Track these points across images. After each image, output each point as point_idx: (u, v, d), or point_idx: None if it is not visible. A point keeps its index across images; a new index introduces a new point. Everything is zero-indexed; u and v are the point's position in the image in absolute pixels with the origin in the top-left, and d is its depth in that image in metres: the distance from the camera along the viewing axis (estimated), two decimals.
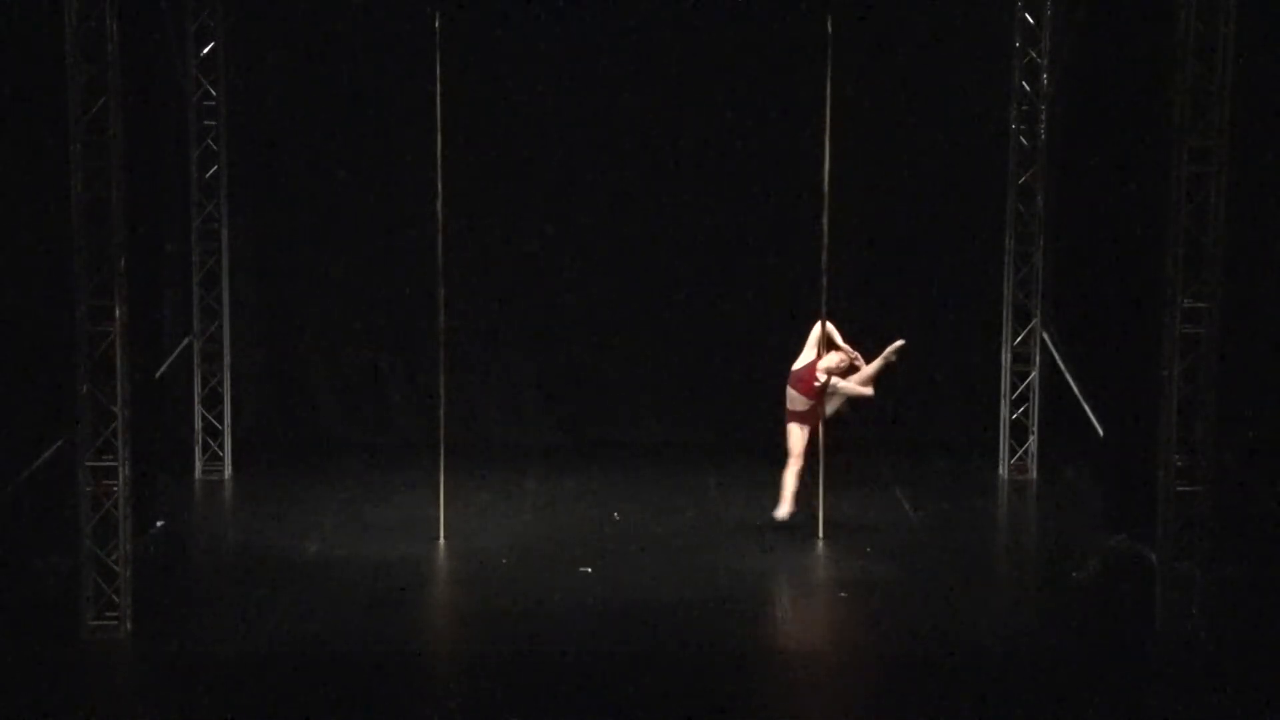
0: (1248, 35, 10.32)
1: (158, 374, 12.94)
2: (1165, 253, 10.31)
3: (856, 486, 13.66)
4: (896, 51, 14.76)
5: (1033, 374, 14.24)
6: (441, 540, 12.28)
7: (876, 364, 12.34)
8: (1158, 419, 10.44)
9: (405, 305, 14.90)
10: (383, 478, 14.10)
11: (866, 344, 12.60)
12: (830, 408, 12.37)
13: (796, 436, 12.40)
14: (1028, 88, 13.94)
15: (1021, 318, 14.24)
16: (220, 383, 14.18)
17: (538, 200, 14.97)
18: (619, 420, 15.38)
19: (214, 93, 13.81)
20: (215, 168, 13.93)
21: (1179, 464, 10.28)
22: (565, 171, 14.93)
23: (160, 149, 12.99)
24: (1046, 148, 14.00)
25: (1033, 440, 14.28)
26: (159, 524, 12.41)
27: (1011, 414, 14.31)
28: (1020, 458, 14.32)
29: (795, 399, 12.35)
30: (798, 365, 12.37)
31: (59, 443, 11.09)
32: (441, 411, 12.39)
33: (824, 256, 12.27)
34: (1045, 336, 14.17)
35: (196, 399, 14.13)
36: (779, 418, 12.54)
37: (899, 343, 12.28)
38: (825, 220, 12.25)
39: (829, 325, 12.27)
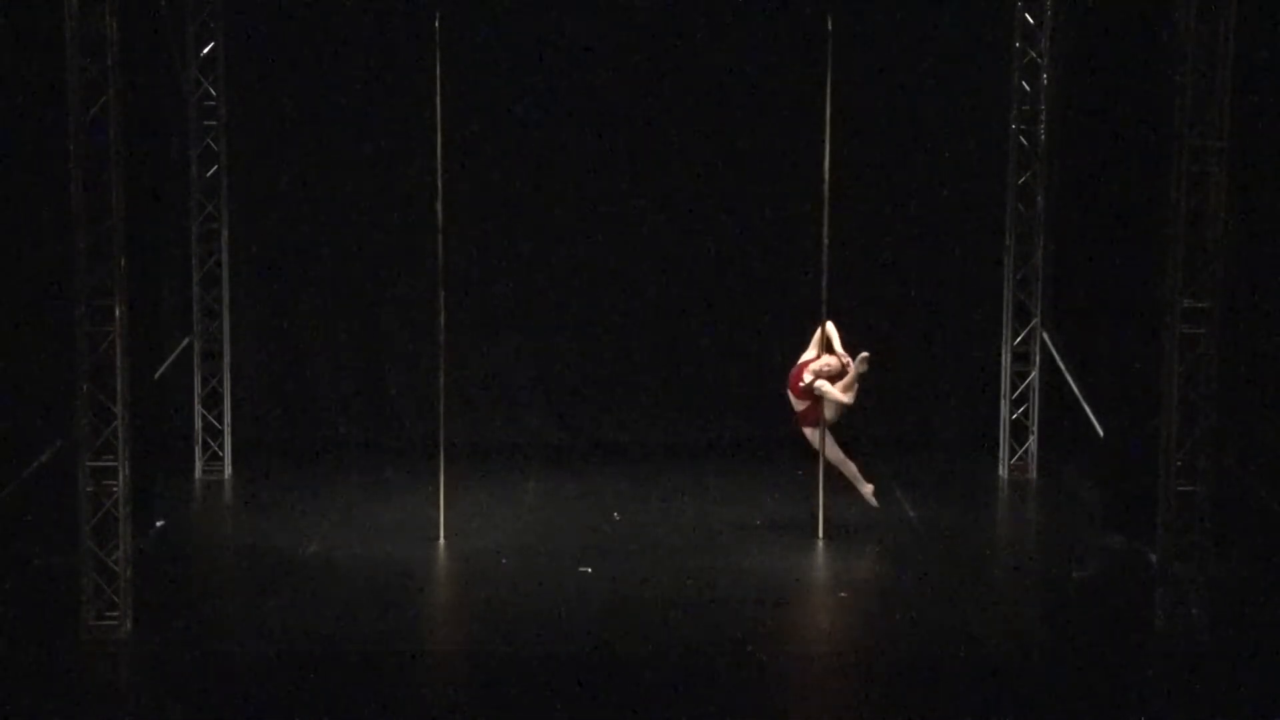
0: (1248, 35, 10.32)
1: (158, 374, 12.94)
2: (1165, 253, 10.31)
3: (856, 486, 13.65)
4: (896, 51, 14.76)
5: (1033, 374, 14.24)
6: (441, 540, 12.28)
7: (849, 376, 12.24)
8: (1158, 419, 10.44)
9: (405, 305, 14.90)
10: (383, 478, 14.10)
11: (866, 344, 12.58)
12: (829, 413, 12.33)
13: (811, 439, 12.34)
14: (1028, 88, 13.94)
15: (1021, 318, 14.24)
16: (220, 383, 14.19)
17: (537, 200, 14.97)
18: (619, 420, 15.38)
19: (214, 93, 13.81)
20: (215, 168, 13.93)
21: (1179, 464, 10.27)
22: (565, 171, 14.94)
23: (160, 149, 12.99)
24: (1046, 148, 14.00)
25: (1033, 440, 14.28)
26: (159, 524, 12.42)
27: (1011, 414, 14.32)
28: (1020, 458, 14.32)
29: (792, 400, 12.33)
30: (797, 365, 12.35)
31: (59, 443, 11.09)
32: (441, 411, 12.39)
33: (824, 256, 12.28)
34: (1045, 336, 14.17)
35: (196, 399, 14.13)
36: (779, 418, 12.52)
37: (863, 355, 12.18)
38: (825, 220, 12.25)
39: (830, 327, 12.22)
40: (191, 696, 9.52)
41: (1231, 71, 10.04)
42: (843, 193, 12.59)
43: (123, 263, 10.01)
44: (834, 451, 12.40)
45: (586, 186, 14.97)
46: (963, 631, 10.55)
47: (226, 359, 14.20)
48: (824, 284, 12.28)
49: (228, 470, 14.23)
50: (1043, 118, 13.96)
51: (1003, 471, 14.37)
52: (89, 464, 10.14)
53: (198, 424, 14.15)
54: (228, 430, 14.23)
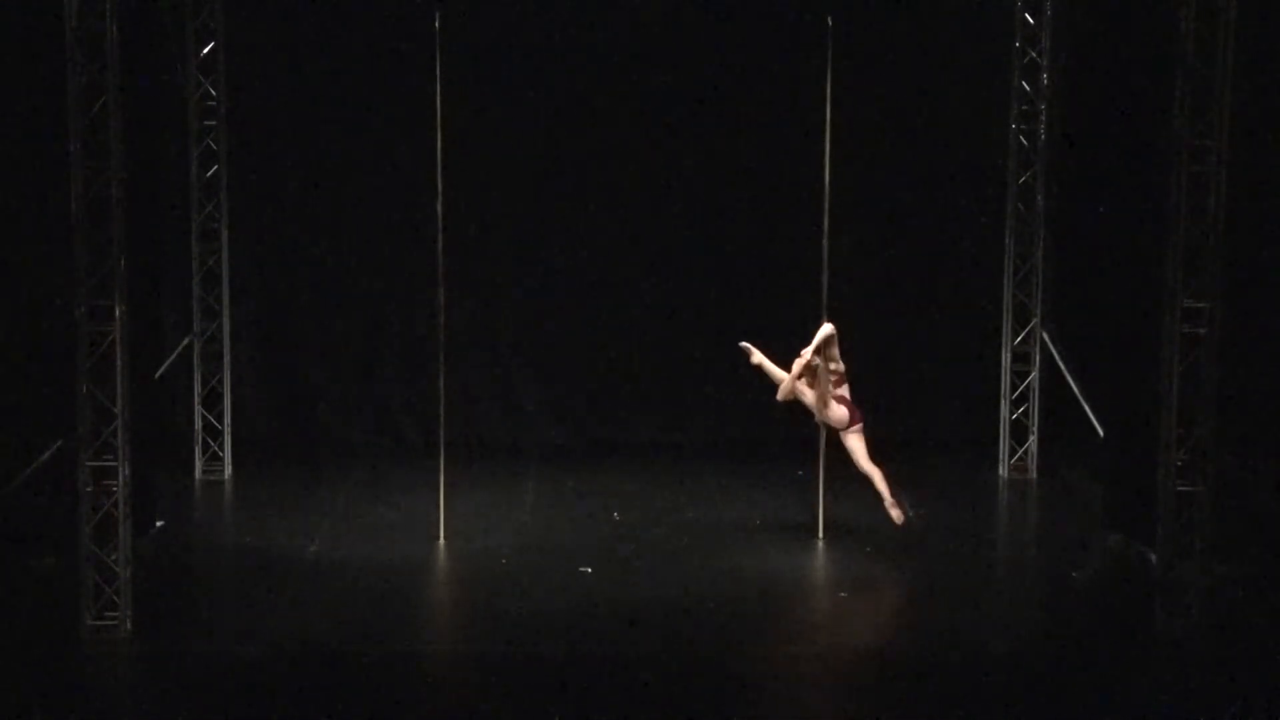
0: (1248, 35, 10.32)
1: (158, 374, 12.94)
2: (1165, 253, 10.31)
3: (856, 486, 13.64)
4: (896, 51, 14.76)
5: (1033, 374, 14.24)
6: (441, 540, 12.28)
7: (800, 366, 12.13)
8: (1158, 419, 10.44)
9: (405, 305, 14.91)
10: (383, 478, 14.10)
11: (867, 344, 12.61)
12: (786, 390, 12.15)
13: (855, 446, 12.26)
14: (1028, 88, 13.94)
15: (1021, 318, 14.24)
16: (220, 383, 14.18)
17: (538, 200, 14.97)
18: (619, 420, 15.38)
19: (214, 93, 13.81)
20: (215, 168, 13.92)
21: (1179, 464, 10.27)
22: (565, 171, 14.93)
23: (160, 149, 12.99)
24: (1046, 148, 14.00)
25: (1033, 440, 14.28)
26: (159, 524, 12.42)
27: (1011, 414, 14.31)
28: (1020, 458, 14.32)
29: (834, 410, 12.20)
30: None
31: (59, 443, 11.09)
32: (441, 411, 12.39)
33: (824, 257, 12.27)
34: (1045, 336, 14.17)
35: (196, 399, 14.13)
36: (779, 418, 12.51)
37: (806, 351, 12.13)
38: (826, 220, 12.25)
39: (828, 329, 12.10)
40: (191, 696, 9.52)
41: (1231, 71, 10.04)
42: (843, 193, 12.59)
43: (123, 263, 10.01)
44: (872, 468, 12.26)
45: (587, 186, 14.96)
46: (963, 631, 10.56)
47: (226, 359, 14.19)
48: (824, 284, 12.28)
49: (228, 470, 14.23)
50: (1043, 118, 13.96)
51: (1003, 471, 14.36)
52: (89, 464, 10.14)
53: (198, 424, 14.14)
54: (228, 430, 14.23)
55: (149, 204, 11.99)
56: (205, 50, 13.73)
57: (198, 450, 14.16)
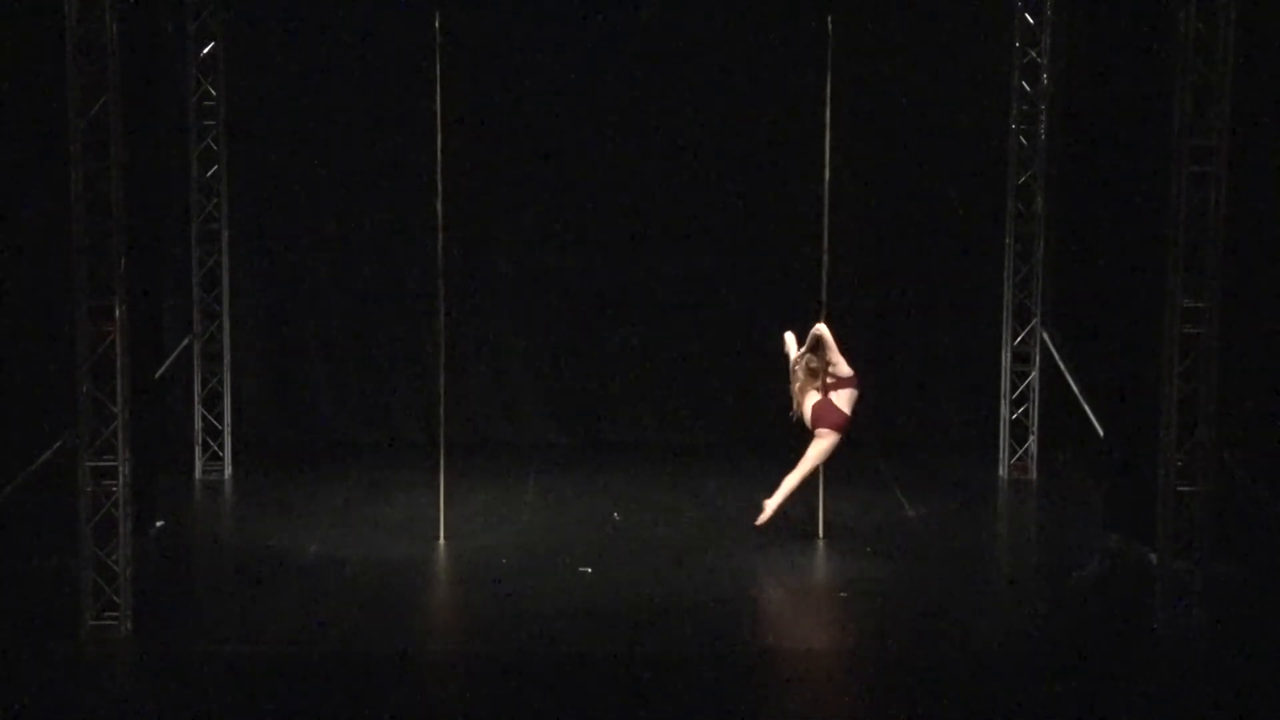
0: (1248, 35, 10.32)
1: (158, 374, 12.94)
2: (1165, 253, 10.31)
3: (856, 486, 13.66)
4: (896, 51, 14.76)
5: (1033, 374, 14.24)
6: (441, 540, 12.28)
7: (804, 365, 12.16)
8: (1158, 419, 10.44)
9: (405, 305, 14.90)
10: (383, 478, 14.10)
11: (867, 345, 12.60)
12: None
13: (825, 450, 12.22)
14: (1028, 88, 13.94)
15: (1021, 318, 14.23)
16: (220, 383, 14.18)
17: (537, 200, 14.97)
18: (619, 420, 15.38)
19: (214, 93, 13.80)
20: (215, 168, 13.92)
21: (1179, 464, 10.27)
22: (565, 171, 14.93)
23: (160, 149, 12.99)
24: (1046, 148, 14.00)
25: (1033, 440, 14.28)
26: (159, 524, 12.42)
27: (1011, 414, 14.31)
28: (1020, 458, 14.32)
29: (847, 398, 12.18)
30: (844, 373, 12.20)
31: (59, 443, 11.08)
32: (441, 411, 12.39)
33: (824, 256, 12.27)
34: (1045, 336, 14.17)
35: (196, 399, 14.12)
36: (778, 419, 12.50)
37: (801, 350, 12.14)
38: (825, 220, 12.25)
39: (823, 329, 12.08)
40: (191, 696, 9.52)
41: (1232, 71, 10.04)
42: (843, 193, 12.60)
43: (123, 263, 10.01)
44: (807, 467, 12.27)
45: (587, 186, 14.96)
46: (963, 631, 10.56)
47: (226, 359, 14.19)
48: (824, 284, 12.27)
49: (228, 470, 14.23)
50: (1043, 118, 13.96)
51: (1003, 471, 14.36)
52: (89, 464, 10.14)
53: (198, 424, 14.14)
54: (228, 430, 14.23)
55: (149, 204, 11.98)
56: (205, 50, 13.72)
57: (198, 450, 14.16)
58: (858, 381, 12.02)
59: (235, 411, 14.34)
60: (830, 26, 12.09)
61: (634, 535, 12.58)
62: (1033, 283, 14.15)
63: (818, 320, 12.16)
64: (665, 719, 9.30)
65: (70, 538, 10.33)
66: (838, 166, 12.30)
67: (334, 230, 14.98)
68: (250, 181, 14.65)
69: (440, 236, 12.13)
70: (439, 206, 12.10)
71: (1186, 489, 10.29)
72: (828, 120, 12.12)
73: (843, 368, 11.97)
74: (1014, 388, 14.29)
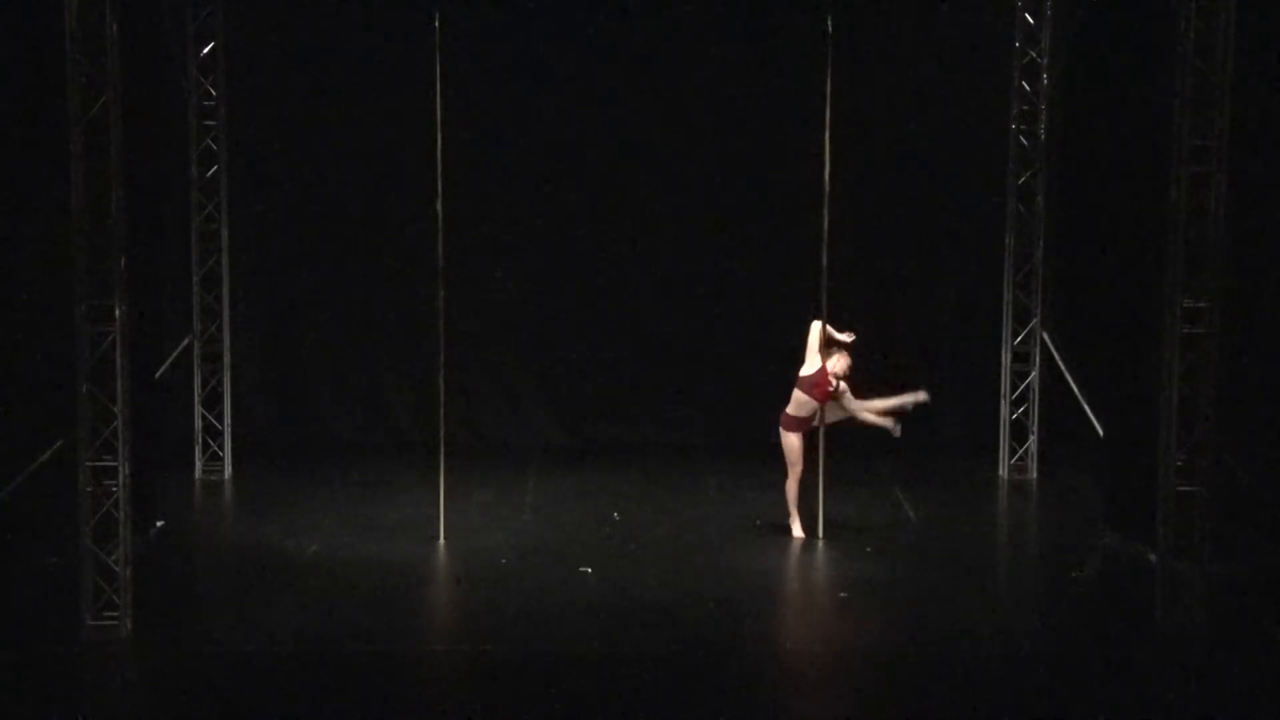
0: (1248, 35, 10.32)
1: (158, 374, 12.94)
2: (1165, 253, 10.31)
3: (856, 486, 13.67)
4: (896, 51, 14.77)
5: (1033, 374, 14.24)
6: (441, 540, 12.28)
7: (894, 403, 12.32)
8: (1158, 419, 10.44)
9: (405, 305, 14.91)
10: (383, 478, 14.10)
11: (867, 345, 12.55)
12: (831, 417, 12.32)
13: (796, 447, 12.33)
14: (1028, 88, 13.94)
15: (1021, 318, 14.24)
16: (220, 383, 14.19)
17: (537, 200, 14.98)
18: (619, 420, 15.39)
19: (214, 93, 13.81)
20: (215, 168, 13.93)
21: (1179, 464, 10.27)
22: (565, 171, 14.94)
23: (160, 149, 12.98)
24: (1046, 148, 14.00)
25: (1033, 440, 14.28)
26: (159, 524, 12.42)
27: (1011, 414, 14.31)
28: (1020, 458, 14.32)
29: (805, 404, 12.25)
30: (807, 372, 12.26)
31: (59, 443, 11.09)
32: (441, 411, 12.39)
33: (824, 257, 12.27)
34: (1045, 336, 14.17)
35: (196, 399, 14.13)
36: (776, 419, 12.49)
37: (923, 396, 12.36)
38: (825, 220, 12.25)
39: (822, 326, 12.16)
40: (191, 696, 9.52)
41: (1231, 71, 10.04)
42: (843, 193, 12.59)
43: (123, 263, 10.01)
44: (798, 470, 12.37)
45: (587, 186, 14.97)
46: (963, 631, 10.55)
47: (226, 359, 14.20)
48: (824, 284, 12.28)
49: (228, 470, 14.23)
50: (1043, 118, 13.96)
51: (1003, 471, 14.37)
52: (89, 464, 10.14)
53: (198, 424, 14.15)
54: (228, 430, 14.23)
55: (149, 204, 11.98)
56: (205, 50, 13.73)
57: (198, 450, 14.16)
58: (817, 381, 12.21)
59: (235, 411, 14.34)
60: (830, 27, 12.09)
61: (634, 535, 12.59)
62: (1033, 283, 14.16)
63: (816, 319, 12.19)
64: (665, 719, 9.30)
65: (70, 538, 10.33)
66: (838, 166, 12.29)
67: (334, 231, 14.99)
68: (250, 181, 14.65)
69: (440, 237, 12.13)
70: (439, 207, 12.10)
71: (1186, 489, 10.29)
72: (828, 120, 12.12)
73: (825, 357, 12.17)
74: (1014, 388, 14.30)
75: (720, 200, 15.00)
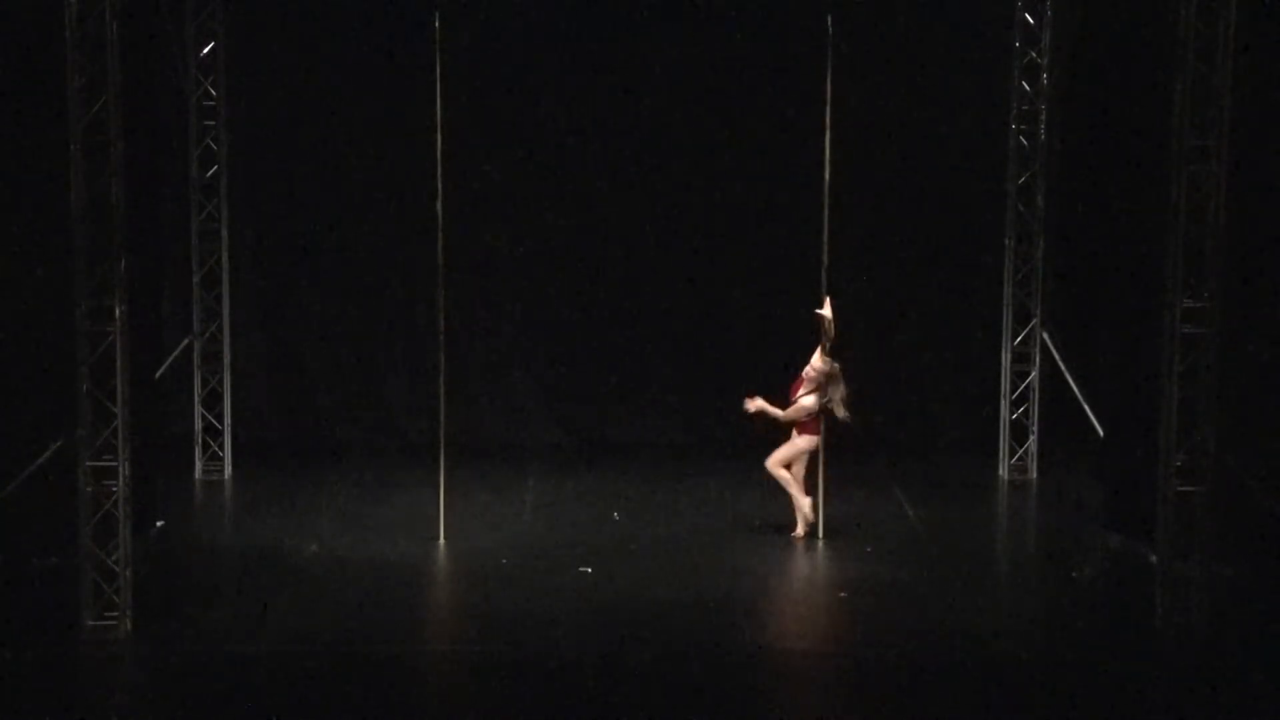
0: (1248, 35, 10.32)
1: (158, 374, 12.94)
2: (1165, 253, 10.31)
3: (856, 486, 13.66)
4: (897, 51, 14.76)
5: (1033, 374, 14.24)
6: (441, 540, 12.28)
7: (795, 483, 12.38)
8: (1158, 419, 10.44)
9: (405, 305, 14.91)
10: (383, 478, 14.10)
11: (867, 345, 12.59)
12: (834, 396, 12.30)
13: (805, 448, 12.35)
14: (1028, 88, 13.94)
15: (1021, 318, 14.24)
16: (220, 383, 14.19)
17: (538, 200, 14.98)
18: (619, 420, 15.39)
19: (214, 93, 13.81)
20: (215, 168, 13.93)
21: (1179, 464, 10.27)
22: (566, 172, 14.94)
23: (160, 149, 12.99)
24: (1046, 148, 14.00)
25: (1033, 440, 14.28)
26: (159, 524, 12.42)
27: (1011, 414, 14.31)
28: (1020, 458, 14.32)
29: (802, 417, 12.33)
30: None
31: (59, 443, 11.09)
32: (441, 411, 12.39)
33: (824, 256, 12.27)
34: (1045, 336, 14.17)
35: (196, 399, 14.13)
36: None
37: (808, 514, 12.39)
38: (826, 220, 12.25)
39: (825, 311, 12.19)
40: (191, 696, 9.52)
41: (1231, 71, 10.04)
42: (843, 193, 12.59)
43: (123, 263, 10.01)
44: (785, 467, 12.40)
45: (587, 187, 14.97)
46: (963, 631, 10.55)
47: (226, 359, 14.20)
48: (824, 284, 12.28)
49: (228, 470, 14.23)
50: (1043, 118, 13.96)
51: (1003, 471, 14.37)
52: (89, 464, 10.13)
53: (198, 424, 14.15)
54: (228, 430, 14.23)
55: (149, 204, 11.98)
56: (205, 50, 13.72)
57: (198, 450, 14.16)
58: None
59: (235, 411, 14.34)
60: (830, 27, 12.09)
61: (634, 535, 12.59)
62: (1033, 283, 14.16)
63: (817, 316, 12.22)
64: (665, 719, 9.29)
65: (70, 538, 10.33)
66: (838, 167, 12.29)
67: (334, 231, 14.99)
68: (250, 181, 14.65)
69: (440, 237, 12.13)
70: (439, 207, 12.10)
71: (1186, 489, 10.28)
72: (828, 121, 12.12)
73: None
74: (1014, 388, 14.30)
75: (721, 200, 14.99)
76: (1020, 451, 14.31)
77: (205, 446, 14.19)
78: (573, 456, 14.94)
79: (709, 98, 14.84)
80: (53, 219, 10.63)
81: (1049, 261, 14.17)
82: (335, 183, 14.90)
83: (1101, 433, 12.89)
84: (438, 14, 11.91)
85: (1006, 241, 14.18)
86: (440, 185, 12.07)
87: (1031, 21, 13.87)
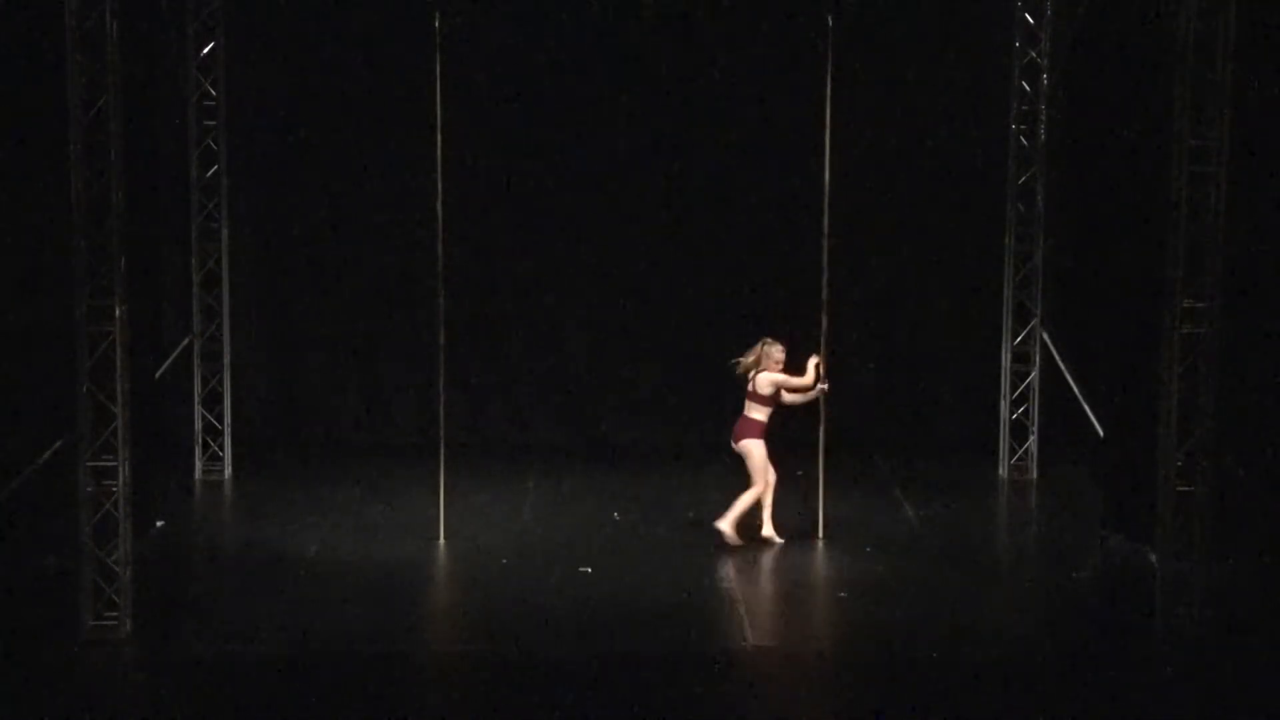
0: (1248, 35, 10.31)
1: (158, 374, 12.94)
2: (1165, 253, 10.31)
3: (856, 486, 13.66)
4: (897, 51, 14.77)
5: (1033, 374, 14.24)
6: (441, 540, 12.28)
7: (743, 505, 12.32)
8: (1158, 419, 10.44)
9: (405, 305, 14.90)
10: (383, 478, 14.10)
11: (868, 345, 12.58)
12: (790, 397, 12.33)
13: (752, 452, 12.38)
14: (1028, 88, 13.94)
15: (1021, 318, 14.24)
16: (220, 383, 14.19)
17: (538, 201, 14.98)
18: (619, 420, 15.39)
19: (214, 93, 13.81)
20: (215, 168, 13.93)
21: (1179, 464, 10.27)
22: (566, 172, 14.93)
23: (160, 149, 12.99)
24: (1046, 148, 14.00)
25: (1033, 440, 14.28)
26: (159, 524, 12.42)
27: (1011, 414, 14.31)
28: (1020, 458, 14.32)
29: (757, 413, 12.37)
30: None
31: (59, 443, 11.09)
32: (441, 411, 12.39)
33: (824, 257, 12.27)
34: (1045, 336, 14.17)
35: (196, 399, 14.13)
36: (781, 421, 12.49)
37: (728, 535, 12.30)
38: (825, 220, 12.25)
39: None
40: (191, 696, 9.51)
41: (1231, 71, 10.03)
42: (843, 194, 12.58)
43: (123, 263, 10.01)
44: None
45: (587, 188, 14.97)
46: (963, 631, 10.55)
47: (226, 359, 14.20)
48: (824, 284, 12.28)
49: (228, 470, 14.23)
50: (1043, 118, 13.96)
51: (1003, 471, 14.36)
52: (89, 464, 10.13)
53: (198, 424, 14.15)
54: (228, 430, 14.23)
55: (149, 204, 11.98)
56: (205, 50, 13.72)
57: (198, 450, 14.16)
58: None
59: (235, 411, 14.34)
60: (830, 27, 12.08)
61: (634, 535, 12.59)
62: (1033, 283, 14.15)
63: (818, 322, 12.21)
64: (665, 719, 9.29)
65: (70, 538, 10.33)
66: (838, 167, 12.29)
67: (333, 230, 14.99)
68: (250, 181, 14.65)
69: (440, 237, 12.13)
70: (439, 207, 12.10)
71: (1186, 489, 10.28)
72: (828, 121, 12.12)
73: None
74: (1014, 388, 14.29)
75: (720, 200, 14.99)
76: (1020, 451, 14.31)
77: (205, 446, 14.19)
78: (573, 456, 14.94)
79: (709, 98, 14.84)
80: (53, 219, 10.63)
81: (1049, 261, 14.17)
82: (335, 183, 14.90)
83: (1101, 433, 12.88)
84: (438, 14, 11.91)
85: (1006, 241, 14.18)
86: (440, 185, 12.07)
87: (1031, 21, 13.87)
